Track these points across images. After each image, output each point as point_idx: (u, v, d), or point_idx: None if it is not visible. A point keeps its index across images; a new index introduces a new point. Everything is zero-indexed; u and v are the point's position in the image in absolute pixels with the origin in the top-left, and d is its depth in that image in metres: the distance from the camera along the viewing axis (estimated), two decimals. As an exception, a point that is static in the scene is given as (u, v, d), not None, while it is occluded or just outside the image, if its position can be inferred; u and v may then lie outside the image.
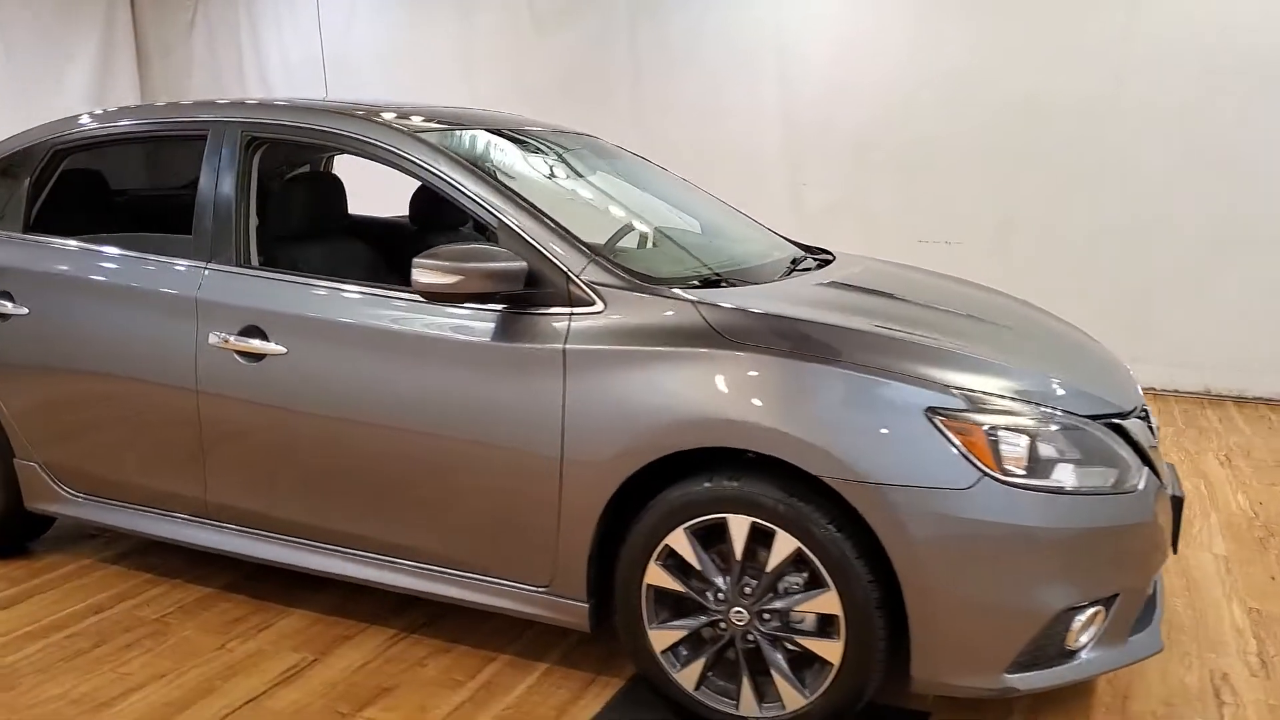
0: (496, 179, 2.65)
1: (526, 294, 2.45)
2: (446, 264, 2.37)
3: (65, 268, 3.07)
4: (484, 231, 4.00)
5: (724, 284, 2.61)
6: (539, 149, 3.19)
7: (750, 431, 2.21)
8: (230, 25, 8.49)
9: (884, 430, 2.15)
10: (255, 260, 2.86)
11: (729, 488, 2.26)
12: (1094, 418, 2.26)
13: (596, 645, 2.80)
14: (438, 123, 2.94)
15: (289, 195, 3.11)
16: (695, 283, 2.57)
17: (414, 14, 7.66)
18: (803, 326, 2.33)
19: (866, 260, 3.27)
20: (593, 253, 2.50)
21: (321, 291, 2.72)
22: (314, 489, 2.75)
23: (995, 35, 6.06)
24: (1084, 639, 2.21)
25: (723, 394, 2.25)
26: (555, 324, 2.44)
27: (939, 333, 2.44)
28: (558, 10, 7.16)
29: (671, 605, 2.40)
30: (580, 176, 3.20)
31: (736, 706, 2.35)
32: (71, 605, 3.08)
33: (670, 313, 2.38)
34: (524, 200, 2.58)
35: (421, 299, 2.51)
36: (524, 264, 2.44)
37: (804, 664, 2.30)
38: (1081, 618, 2.18)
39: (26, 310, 3.07)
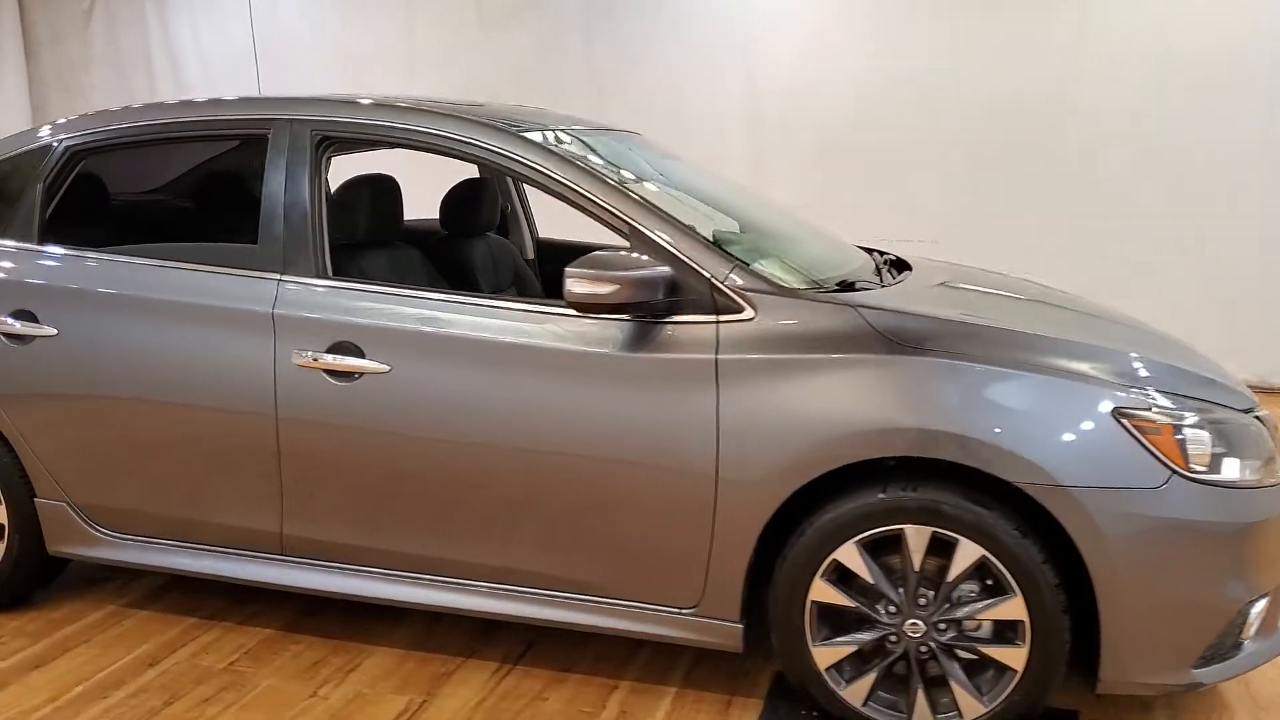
0: (619, 182, 2.51)
1: (668, 302, 2.33)
2: (602, 273, 2.23)
3: (101, 283, 2.75)
4: (506, 234, 3.87)
5: (850, 287, 2.54)
6: (613, 148, 3.04)
7: (935, 439, 2.16)
8: (135, 12, 7.87)
9: (1073, 433, 2.14)
10: (331, 270, 2.63)
11: (908, 498, 2.20)
12: (1244, 412, 2.32)
13: (717, 664, 2.70)
14: (505, 121, 2.75)
15: (355, 199, 2.87)
16: (829, 286, 2.50)
17: (348, 6, 7.29)
18: (972, 329, 2.30)
19: (931, 260, 3.27)
20: (736, 257, 2.39)
21: (427, 303, 2.52)
22: (420, 517, 2.55)
23: (957, 37, 6.21)
24: (1252, 631, 2.26)
25: (901, 401, 2.19)
26: (701, 332, 2.32)
27: (1085, 333, 2.45)
28: (506, 6, 6.94)
29: (834, 621, 2.32)
30: (662, 177, 3.07)
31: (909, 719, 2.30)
32: (118, 658, 2.76)
33: (828, 317, 2.30)
34: (653, 204, 2.46)
35: (572, 311, 2.36)
36: (670, 270, 2.32)
37: (978, 672, 2.27)
38: (1256, 609, 2.22)
39: (55, 331, 2.73)
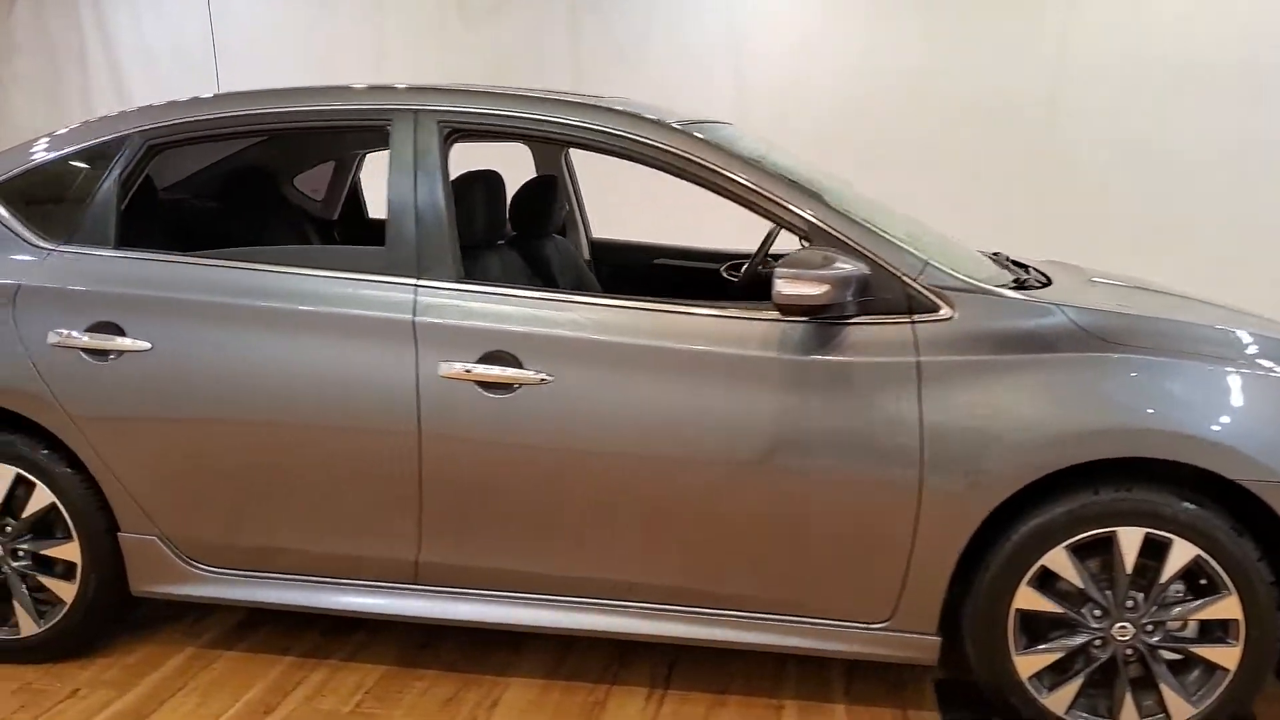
0: (791, 177, 2.39)
1: (858, 302, 2.22)
2: (813, 273, 2.11)
3: (201, 290, 2.47)
4: (563, 233, 3.69)
5: (1023, 285, 2.48)
6: (744, 141, 2.90)
7: (1154, 438, 2.11)
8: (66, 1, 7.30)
9: (1283, 426, 2.12)
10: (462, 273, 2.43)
11: (1124, 499, 2.15)
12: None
13: (872, 677, 2.61)
14: (656, 114, 2.59)
15: (471, 197, 2.66)
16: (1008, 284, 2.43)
17: (310, -7, 6.91)
18: (1168, 325, 2.27)
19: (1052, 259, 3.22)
20: (925, 256, 2.30)
21: (590, 308, 2.35)
22: (582, 537, 2.37)
23: (945, 37, 6.27)
24: None
25: (1116, 401, 2.14)
26: (896, 333, 2.23)
27: (1240, 323, 2.44)
28: (489, -1, 6.70)
29: (1034, 628, 2.26)
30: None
31: (1115, 724, 2.25)
32: (227, 705, 2.49)
33: (1030, 316, 2.23)
34: (830, 202, 2.35)
35: (751, 315, 2.24)
36: (866, 269, 2.21)
37: (1184, 672, 2.24)
38: None
39: (148, 345, 2.44)
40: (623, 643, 2.74)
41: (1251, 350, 2.24)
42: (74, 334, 2.46)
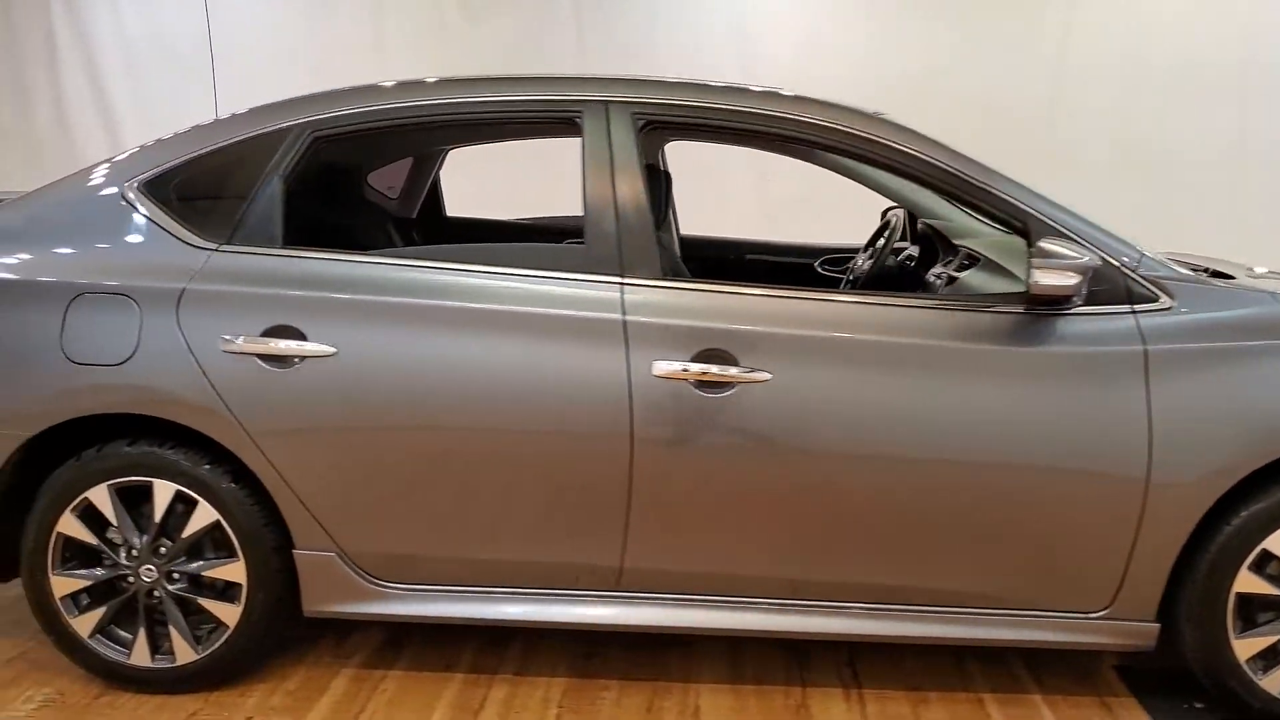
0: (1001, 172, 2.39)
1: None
2: (1067, 264, 2.11)
3: (388, 291, 2.33)
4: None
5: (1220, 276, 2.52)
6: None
7: (1380, 422, 2.18)
8: (32, -12, 6.87)
9: None
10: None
11: (1343, 481, 2.21)
12: None
13: (1057, 666, 2.63)
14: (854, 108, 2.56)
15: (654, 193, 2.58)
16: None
17: (306, -13, 6.66)
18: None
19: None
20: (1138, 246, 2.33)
21: (805, 304, 2.31)
22: (795, 537, 2.33)
23: (948, 39, 6.39)
24: None
25: (1341, 386, 2.20)
26: (1119, 324, 2.24)
27: None
28: (493, -7, 6.56)
29: (1248, 612, 2.31)
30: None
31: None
32: (420, 729, 2.37)
33: (1248, 305, 2.28)
34: (1043, 195, 2.36)
35: (970, 306, 2.25)
36: (1099, 261, 2.22)
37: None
38: None
39: (332, 350, 2.30)
40: (796, 643, 2.71)
41: None
42: (250, 340, 2.30)
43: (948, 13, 6.40)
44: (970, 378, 2.24)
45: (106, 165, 2.51)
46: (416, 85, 2.50)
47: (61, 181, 2.52)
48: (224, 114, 2.57)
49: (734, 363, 2.25)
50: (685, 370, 2.25)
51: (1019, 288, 2.31)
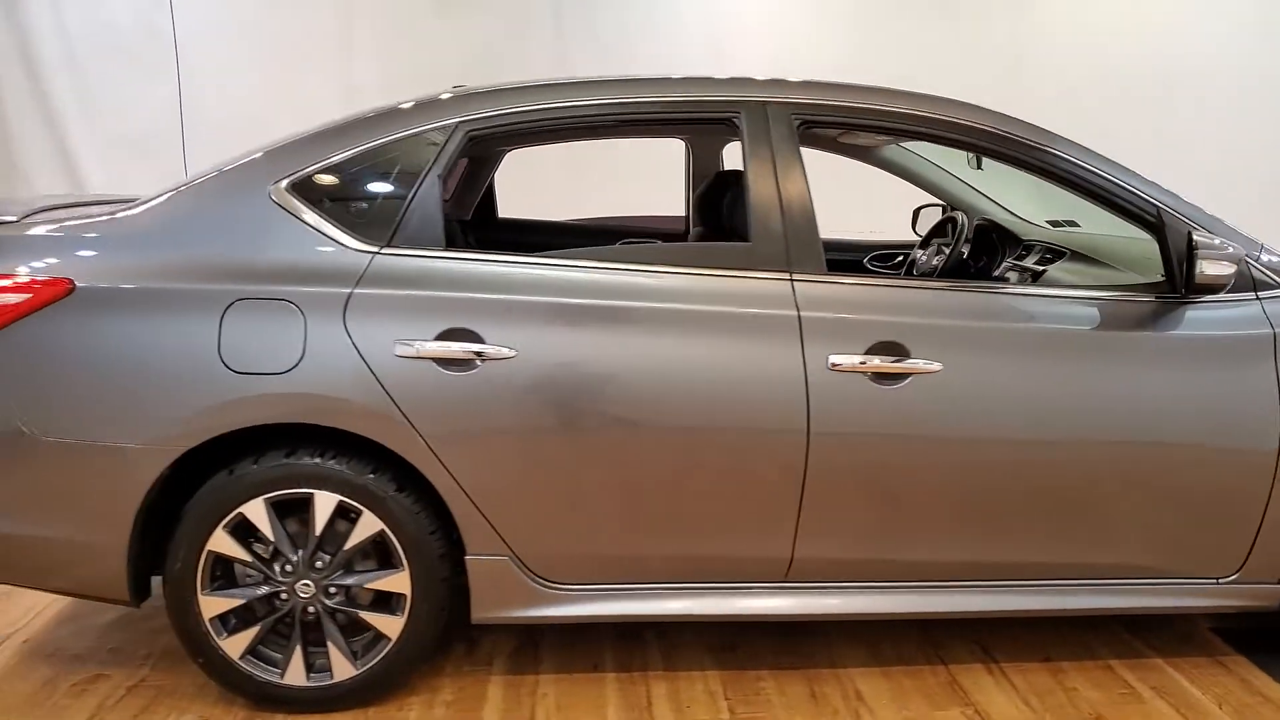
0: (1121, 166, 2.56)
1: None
2: (1228, 254, 2.28)
3: (562, 292, 2.32)
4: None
5: None
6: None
7: None
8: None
9: None
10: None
11: None
12: None
13: (1157, 630, 2.83)
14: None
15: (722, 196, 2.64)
16: None
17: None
18: None
19: None
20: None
21: (969, 295, 2.42)
22: (963, 521, 2.43)
23: (916, 40, 6.66)
24: None
25: None
26: (1249, 310, 2.44)
27: None
28: (472, -14, 6.46)
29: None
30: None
31: None
32: (603, 730, 2.36)
33: (1347, 291, 2.51)
34: (1170, 190, 2.52)
35: (1121, 296, 2.41)
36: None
37: None
38: None
39: (513, 352, 2.27)
40: (927, 626, 2.82)
41: None
42: (427, 344, 2.25)
43: (916, 14, 6.67)
44: (1127, 363, 2.39)
45: (244, 166, 2.39)
46: (576, 85, 2.48)
47: (195, 183, 2.39)
48: (338, 113, 2.49)
49: (907, 354, 2.33)
50: (864, 363, 2.32)
51: (1120, 279, 2.48)
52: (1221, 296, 2.43)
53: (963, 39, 6.74)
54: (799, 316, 2.33)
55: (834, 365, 2.31)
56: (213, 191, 2.37)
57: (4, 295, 2.24)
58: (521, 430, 2.29)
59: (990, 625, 2.83)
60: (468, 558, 2.36)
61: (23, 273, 2.24)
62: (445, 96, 2.48)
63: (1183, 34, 6.89)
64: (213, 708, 2.43)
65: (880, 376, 2.33)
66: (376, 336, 2.25)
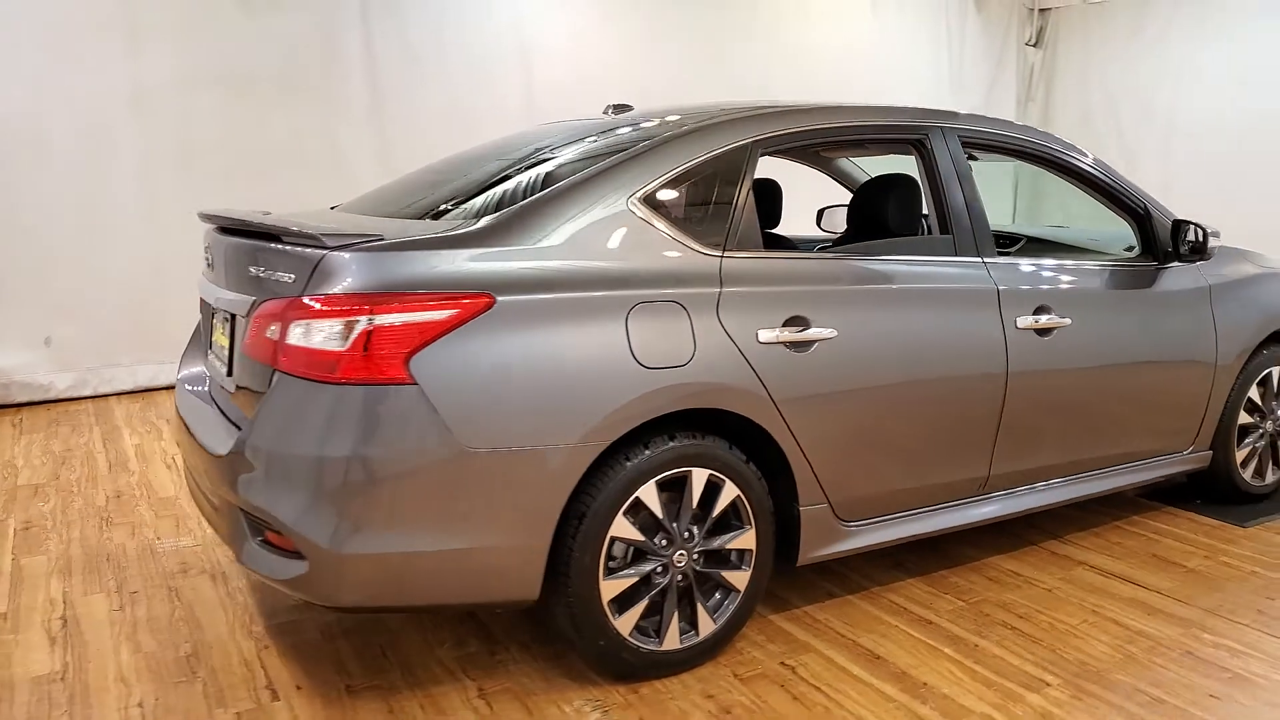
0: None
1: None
2: (1210, 232, 3.47)
3: (857, 280, 2.85)
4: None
5: None
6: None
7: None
8: None
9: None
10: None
11: (1280, 351, 3.93)
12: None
13: (1111, 500, 4.05)
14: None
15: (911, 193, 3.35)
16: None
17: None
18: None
19: None
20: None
21: (1083, 267, 3.37)
22: (1079, 430, 3.38)
23: (690, 34, 7.60)
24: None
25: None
26: (1194, 272, 3.69)
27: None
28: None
29: (1244, 434, 3.93)
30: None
31: None
32: (927, 645, 2.93)
33: (1235, 256, 3.87)
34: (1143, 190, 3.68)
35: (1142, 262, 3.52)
36: None
37: None
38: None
39: (834, 332, 2.76)
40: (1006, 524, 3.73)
41: None
42: (779, 330, 2.65)
43: (682, 30, 7.60)
44: (1137, 309, 3.48)
45: (598, 180, 2.56)
46: (832, 109, 3.01)
47: (553, 198, 2.51)
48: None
49: (1052, 313, 3.22)
50: (1036, 321, 3.16)
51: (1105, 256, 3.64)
52: (1172, 265, 3.63)
53: (724, 59, 7.80)
54: (997, 290, 3.10)
55: (1019, 325, 3.12)
56: (575, 205, 2.51)
57: (434, 312, 2.24)
58: (841, 396, 2.78)
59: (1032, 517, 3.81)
60: (801, 508, 2.79)
61: (446, 289, 2.26)
62: (738, 112, 2.84)
63: (887, 53, 8.62)
64: (600, 692, 2.57)
65: (1041, 331, 3.18)
66: (741, 327, 2.60)
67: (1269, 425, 4.00)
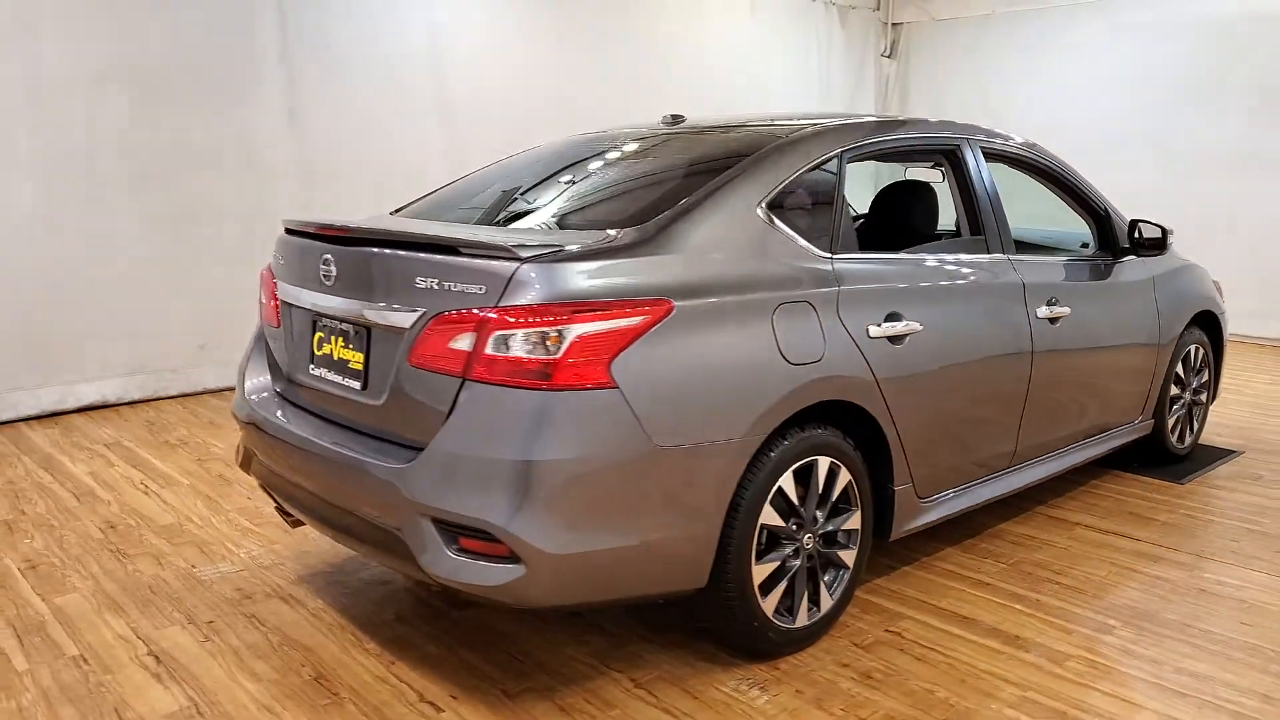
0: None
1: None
2: (1165, 229, 4.00)
3: (929, 278, 3.15)
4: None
5: None
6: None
7: (1206, 300, 4.57)
8: None
9: None
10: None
11: None
12: None
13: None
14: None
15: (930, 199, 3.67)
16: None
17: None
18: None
19: None
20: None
21: (1079, 267, 3.82)
22: (1081, 404, 3.85)
23: (594, 39, 7.70)
24: None
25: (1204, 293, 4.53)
26: (1141, 264, 4.24)
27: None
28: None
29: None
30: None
31: None
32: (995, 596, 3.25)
33: (1175, 257, 4.46)
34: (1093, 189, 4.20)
35: (1111, 258, 4.02)
36: None
37: None
38: None
39: (920, 326, 3.03)
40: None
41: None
42: (883, 325, 2.90)
43: (577, 42, 7.71)
44: (1104, 298, 3.98)
45: (725, 188, 2.70)
46: (901, 122, 3.32)
47: (695, 205, 2.63)
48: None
49: (1059, 304, 3.64)
50: (1051, 310, 3.57)
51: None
52: (1126, 259, 4.18)
53: (611, 61, 7.96)
54: (1022, 282, 3.49)
55: (1038, 314, 3.53)
56: (712, 212, 2.65)
57: (627, 319, 2.33)
58: (925, 382, 3.07)
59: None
60: (895, 488, 3.05)
61: (633, 297, 2.36)
62: (830, 124, 3.06)
63: (764, 56, 9.03)
64: (727, 671, 2.73)
65: (1052, 319, 3.60)
66: (855, 324, 2.84)
67: (1188, 395, 4.64)
